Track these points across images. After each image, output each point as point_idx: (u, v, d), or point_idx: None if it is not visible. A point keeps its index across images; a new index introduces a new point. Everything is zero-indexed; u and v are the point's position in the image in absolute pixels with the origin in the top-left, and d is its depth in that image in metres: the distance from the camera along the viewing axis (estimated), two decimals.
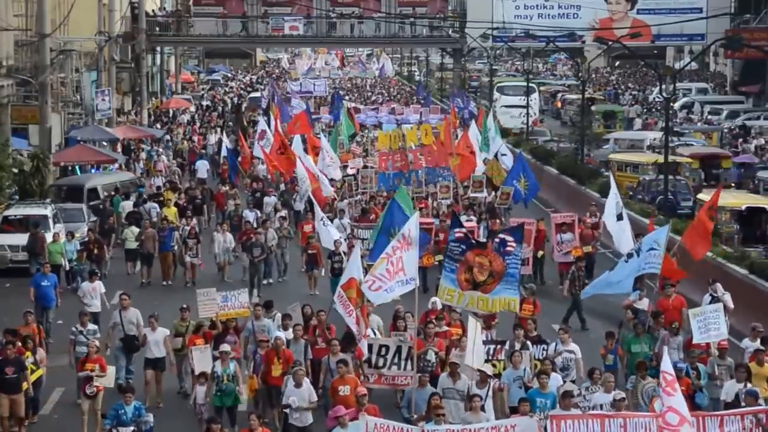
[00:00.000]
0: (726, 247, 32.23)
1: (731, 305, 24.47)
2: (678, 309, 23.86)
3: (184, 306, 23.27)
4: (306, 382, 19.54)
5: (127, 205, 38.83)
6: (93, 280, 26.88)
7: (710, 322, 21.42)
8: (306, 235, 32.95)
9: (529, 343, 21.29)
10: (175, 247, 33.26)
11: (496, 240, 21.80)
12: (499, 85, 77.77)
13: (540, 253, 32.36)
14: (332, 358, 20.58)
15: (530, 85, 68.79)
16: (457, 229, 22.32)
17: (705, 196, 37.33)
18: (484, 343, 21.07)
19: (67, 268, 31.72)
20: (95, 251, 32.37)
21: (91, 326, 22.98)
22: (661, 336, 22.37)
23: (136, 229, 35.71)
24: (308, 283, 31.49)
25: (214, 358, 20.93)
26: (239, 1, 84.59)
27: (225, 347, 20.89)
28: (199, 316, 22.81)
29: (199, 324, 22.57)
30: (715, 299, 24.51)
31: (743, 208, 36.24)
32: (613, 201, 28.69)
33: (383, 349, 20.85)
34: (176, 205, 38.23)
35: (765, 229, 35.52)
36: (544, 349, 21.34)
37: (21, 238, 34.38)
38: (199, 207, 39.15)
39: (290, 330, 21.90)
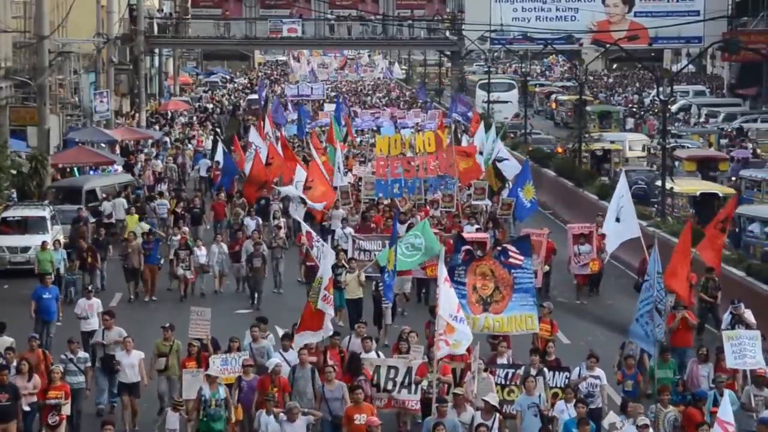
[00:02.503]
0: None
1: (753, 321, 23.58)
2: (687, 327, 23.30)
3: (167, 325, 21.91)
4: (302, 419, 18.29)
5: (108, 206, 38.14)
6: (89, 296, 25.48)
7: (746, 349, 20.15)
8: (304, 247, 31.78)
9: (545, 369, 20.02)
10: (162, 260, 31.84)
11: (498, 248, 20.98)
12: (481, 82, 79.01)
13: (546, 267, 30.93)
14: (327, 386, 19.34)
15: (510, 81, 70.93)
16: (463, 248, 21.18)
17: (668, 183, 40.62)
18: (502, 366, 20.24)
19: (52, 277, 29.00)
20: (89, 260, 31.14)
21: (82, 354, 21.31)
22: (689, 364, 21.25)
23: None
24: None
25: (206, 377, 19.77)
26: (237, 3, 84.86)
27: (213, 371, 19.69)
28: (189, 335, 21.42)
29: (191, 344, 21.14)
30: (735, 317, 23.64)
31: (697, 193, 39.72)
32: (615, 202, 27.49)
33: (392, 371, 19.97)
34: (174, 213, 37.41)
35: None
36: (567, 377, 20.10)
37: (19, 240, 34.48)
38: (198, 216, 37.85)
39: (290, 352, 20.63)
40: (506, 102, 73.97)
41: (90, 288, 26.72)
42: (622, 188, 27.50)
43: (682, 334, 23.22)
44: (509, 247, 20.94)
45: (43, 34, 43.14)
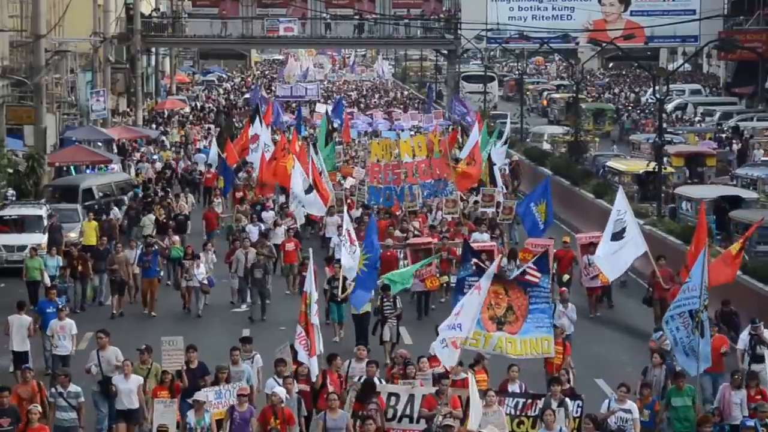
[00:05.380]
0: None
1: None
2: (718, 349, 21.23)
3: (143, 347, 20.30)
4: None
5: (118, 212, 37.85)
6: (62, 317, 23.32)
7: None
8: (289, 254, 31.20)
9: (567, 400, 18.30)
10: (161, 272, 30.49)
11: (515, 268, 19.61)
12: (464, 75, 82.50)
13: (566, 276, 29.44)
14: (329, 414, 17.66)
15: (490, 74, 78.63)
16: (474, 260, 19.82)
17: (615, 164, 46.70)
18: (513, 395, 18.42)
19: (49, 285, 28.01)
20: (79, 268, 29.92)
21: (73, 388, 19.17)
22: (721, 390, 19.46)
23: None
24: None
25: (188, 407, 18.47)
26: (234, 2, 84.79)
27: (200, 396, 18.29)
28: (162, 367, 19.86)
29: (165, 372, 19.65)
30: (755, 338, 22.01)
31: (641, 172, 43.87)
32: (613, 219, 25.69)
33: (393, 399, 18.40)
34: (156, 221, 36.28)
35: (660, 190, 40.54)
36: (579, 406, 18.43)
37: (16, 238, 34.47)
38: (183, 224, 36.35)
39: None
40: (487, 93, 77.23)
41: (62, 307, 24.14)
42: (622, 204, 25.97)
43: (714, 356, 20.91)
44: (528, 266, 19.51)
45: (39, 33, 43.11)
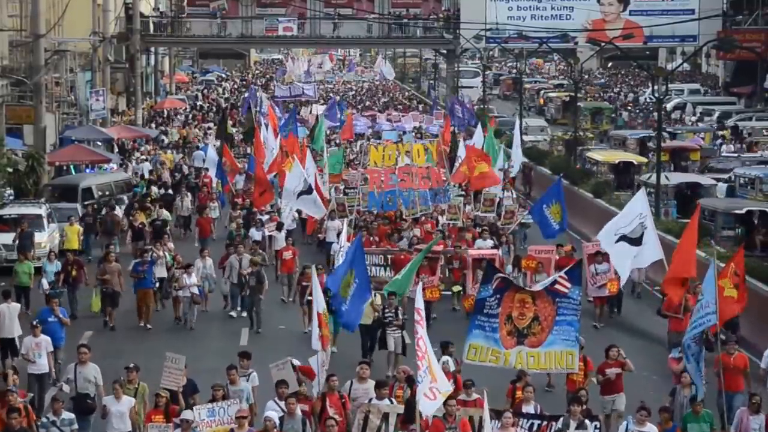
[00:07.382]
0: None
1: None
2: (741, 369, 20.17)
3: (131, 365, 19.14)
4: None
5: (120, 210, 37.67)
6: (36, 333, 21.75)
7: None
8: (286, 263, 30.45)
9: (587, 422, 17.36)
10: (157, 284, 28.99)
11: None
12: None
13: None
14: None
15: (475, 70, 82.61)
16: (496, 276, 18.60)
17: (594, 154, 50.55)
18: (528, 416, 17.47)
19: (48, 291, 26.85)
20: (73, 273, 28.69)
21: (67, 415, 17.99)
22: (738, 414, 18.39)
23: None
24: (302, 320, 26.90)
25: (175, 426, 17.50)
26: (234, 1, 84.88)
27: (188, 415, 17.35)
28: (161, 385, 18.69)
29: (159, 395, 18.35)
30: None
31: (617, 161, 47.48)
32: (630, 218, 24.71)
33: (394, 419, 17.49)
34: (131, 227, 35.46)
35: (633, 178, 44.00)
36: (596, 427, 17.48)
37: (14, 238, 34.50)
38: (160, 230, 34.48)
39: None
40: (471, 87, 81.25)
41: (35, 323, 22.31)
42: (641, 205, 24.79)
43: (732, 376, 20.03)
44: (560, 274, 18.73)
45: (39, 32, 43.12)
